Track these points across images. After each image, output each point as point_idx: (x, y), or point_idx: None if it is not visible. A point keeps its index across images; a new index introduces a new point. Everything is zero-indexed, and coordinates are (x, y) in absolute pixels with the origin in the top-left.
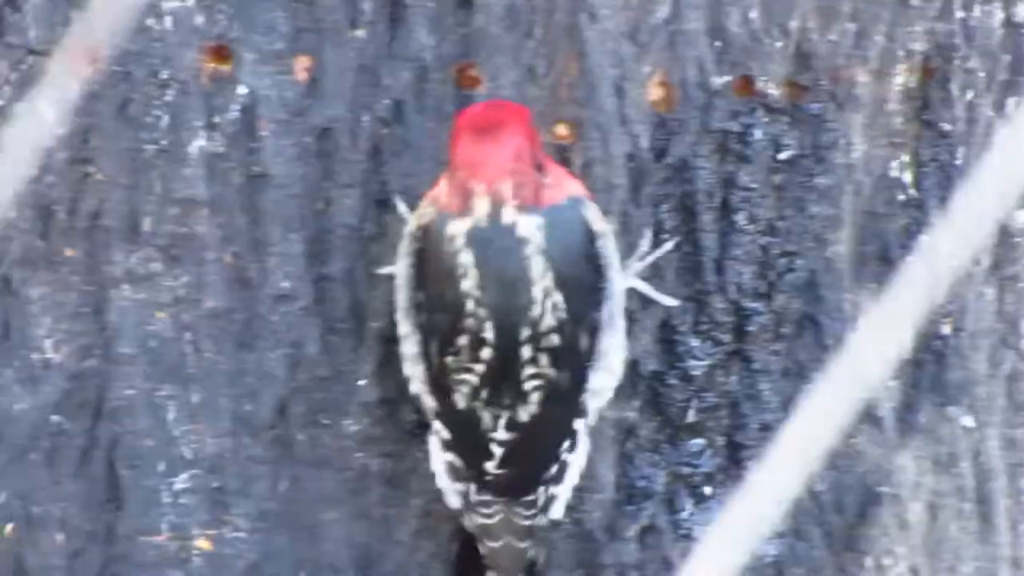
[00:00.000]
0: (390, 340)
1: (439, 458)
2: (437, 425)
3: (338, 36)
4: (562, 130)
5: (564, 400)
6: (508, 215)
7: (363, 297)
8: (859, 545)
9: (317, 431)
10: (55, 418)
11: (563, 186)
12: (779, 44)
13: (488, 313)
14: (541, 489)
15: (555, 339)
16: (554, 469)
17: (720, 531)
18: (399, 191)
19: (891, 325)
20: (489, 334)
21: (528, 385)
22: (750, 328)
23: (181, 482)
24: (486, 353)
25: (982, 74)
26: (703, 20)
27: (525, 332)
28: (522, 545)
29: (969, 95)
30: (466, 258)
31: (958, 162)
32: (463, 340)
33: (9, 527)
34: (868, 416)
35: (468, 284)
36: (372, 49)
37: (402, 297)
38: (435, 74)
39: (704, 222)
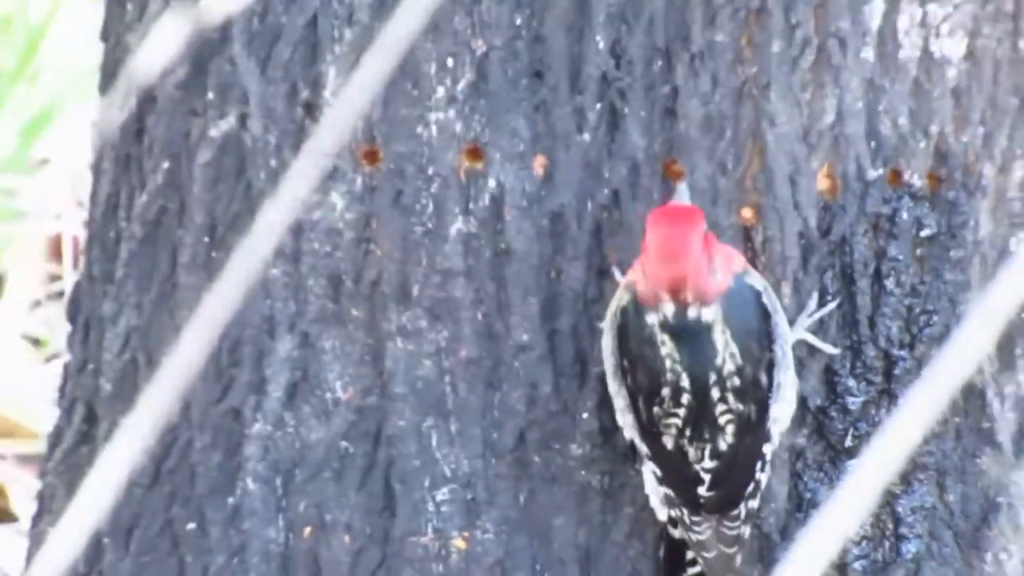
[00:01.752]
0: (606, 382)
1: (654, 491)
2: (651, 465)
3: (568, 139)
4: (747, 213)
5: (753, 429)
6: (692, 312)
7: (586, 347)
8: (982, 544)
9: (549, 454)
10: (343, 444)
11: (729, 265)
12: (922, 144)
13: (682, 367)
14: (743, 505)
15: (737, 380)
16: (751, 487)
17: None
18: (616, 263)
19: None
20: (686, 383)
21: (722, 420)
22: (897, 372)
23: (442, 495)
24: (685, 399)
25: None
26: (862, 125)
27: (713, 377)
28: (731, 551)
29: None
30: (661, 336)
31: None
32: (666, 392)
33: (308, 530)
34: (990, 440)
35: (665, 351)
36: (595, 149)
37: (609, 364)
38: (646, 168)
39: (860, 286)
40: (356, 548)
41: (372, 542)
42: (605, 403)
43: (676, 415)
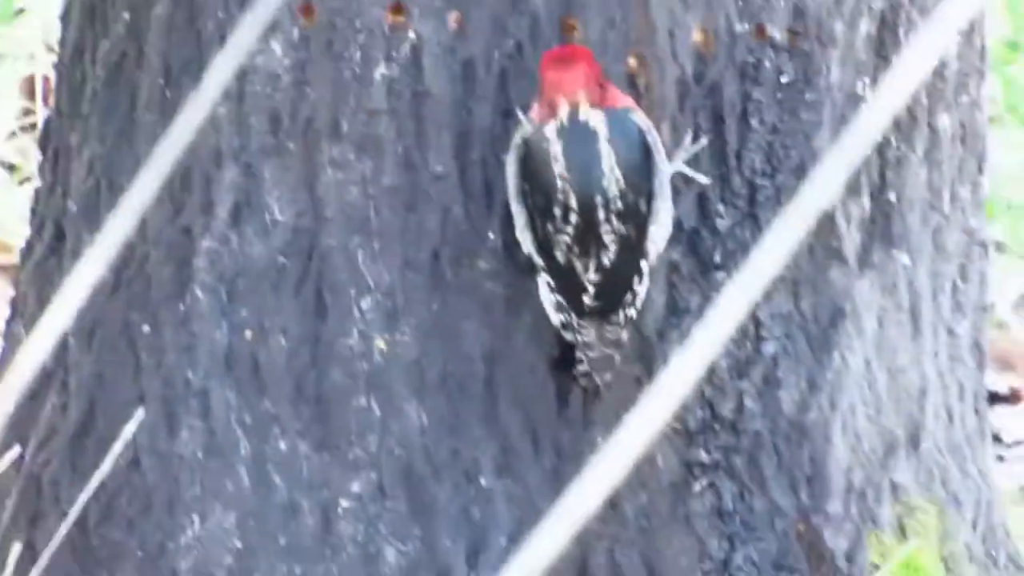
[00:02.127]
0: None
1: (548, 298)
2: (545, 276)
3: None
4: (632, 62)
5: (633, 247)
6: (583, 113)
7: (493, 176)
8: (830, 345)
9: (460, 268)
10: (280, 259)
11: (619, 99)
12: (782, 3)
13: (572, 188)
14: (622, 312)
15: (620, 204)
16: (629, 297)
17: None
18: (519, 105)
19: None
20: (574, 204)
21: (607, 239)
22: (759, 198)
23: (366, 303)
24: (574, 218)
25: (920, 24)
26: None
27: (599, 199)
28: (610, 352)
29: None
30: (556, 149)
31: None
32: (557, 211)
33: (249, 332)
34: (838, 256)
35: (558, 169)
36: (502, 6)
37: (512, 188)
38: (545, 23)
39: (729, 125)
40: (291, 349)
41: (305, 344)
42: (509, 224)
43: (566, 232)
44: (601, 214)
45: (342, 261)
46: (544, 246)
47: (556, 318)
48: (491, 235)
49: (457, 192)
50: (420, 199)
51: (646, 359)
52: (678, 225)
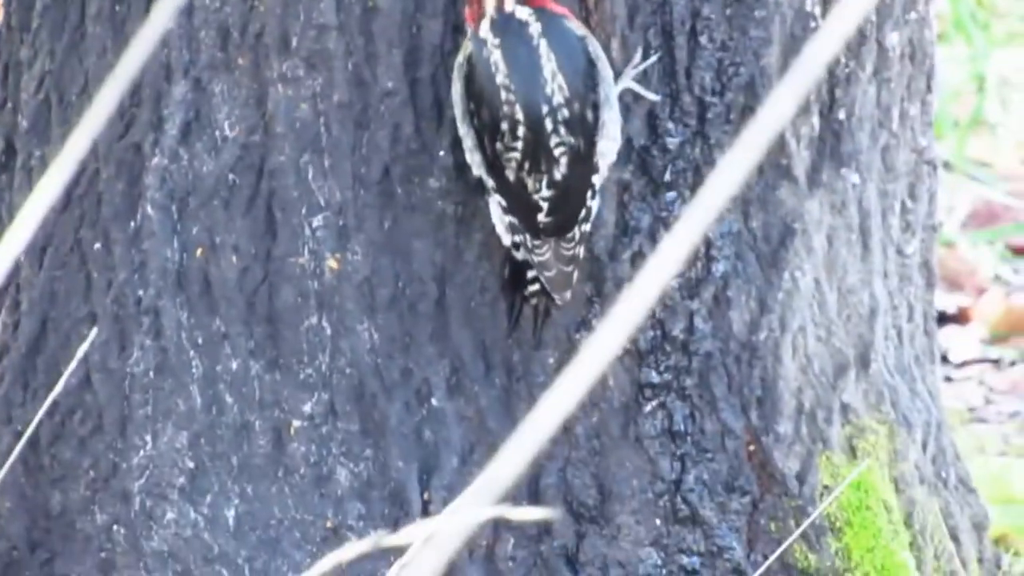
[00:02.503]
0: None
1: (500, 219)
2: (497, 197)
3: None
4: None
5: (583, 160)
6: (508, 4)
7: (443, 93)
8: (780, 264)
9: (410, 186)
10: (231, 176)
11: (549, 4)
12: None
13: (516, 98)
14: (576, 229)
15: (566, 112)
16: (583, 213)
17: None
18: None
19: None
20: (520, 116)
21: (556, 152)
22: (709, 116)
23: (317, 221)
24: (522, 132)
25: None
26: None
27: (545, 108)
28: (568, 269)
29: None
30: (496, 55)
31: None
32: (504, 126)
33: (199, 250)
34: (788, 174)
35: (500, 79)
36: None
37: (459, 109)
38: None
39: (678, 42)
40: (242, 267)
41: (256, 262)
42: (459, 142)
43: (515, 149)
44: (548, 124)
45: (292, 179)
46: (494, 166)
47: (508, 239)
48: (442, 153)
49: (407, 109)
50: (370, 116)
51: (596, 279)
52: (628, 143)
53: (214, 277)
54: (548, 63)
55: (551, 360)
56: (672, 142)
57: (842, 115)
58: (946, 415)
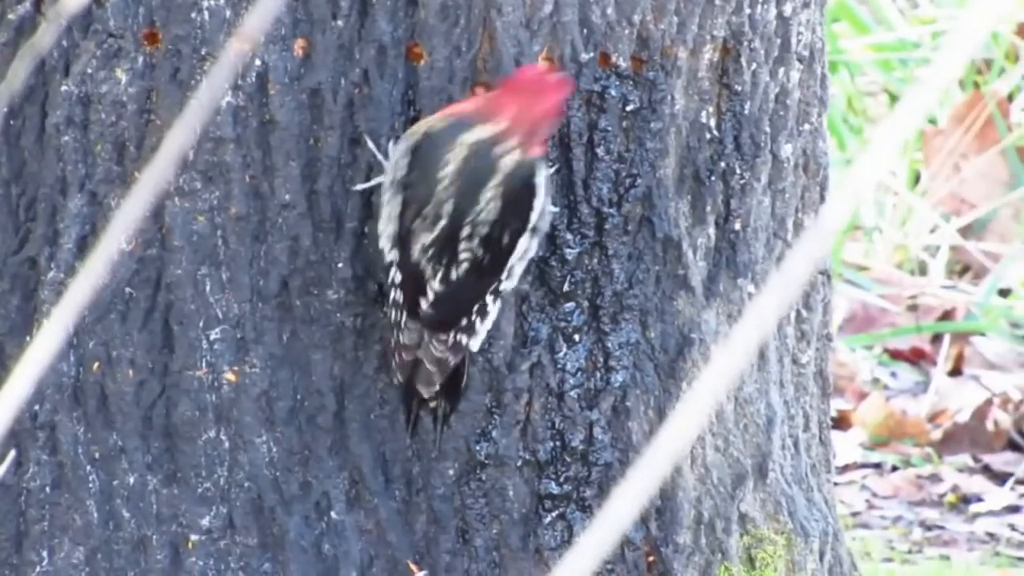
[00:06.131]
0: (360, 235)
1: (391, 292)
2: (393, 271)
3: (324, 24)
4: (479, 91)
5: (484, 274)
6: (505, 148)
7: (341, 205)
8: (678, 374)
9: (309, 299)
10: (127, 289)
11: (536, 148)
12: (627, 31)
13: (451, 197)
14: (452, 334)
15: (486, 230)
16: (464, 322)
17: None
18: (366, 132)
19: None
20: (446, 211)
21: (461, 256)
22: (607, 227)
23: (215, 334)
24: (441, 223)
25: (762, 51)
26: (575, 15)
27: (468, 218)
28: (432, 369)
29: (753, 66)
30: (453, 157)
31: (746, 112)
32: (428, 211)
33: (96, 364)
34: (685, 284)
35: (446, 172)
36: (348, 34)
37: (392, 174)
38: (392, 51)
39: (575, 153)
40: (139, 381)
41: (153, 375)
42: (358, 254)
43: (431, 232)
44: (466, 231)
45: (190, 291)
46: (404, 239)
47: (394, 315)
48: (340, 265)
49: (305, 221)
50: (268, 228)
51: (495, 389)
52: None
53: (111, 391)
54: (494, 188)
55: (451, 472)
56: (570, 253)
57: (738, 225)
58: (841, 524)
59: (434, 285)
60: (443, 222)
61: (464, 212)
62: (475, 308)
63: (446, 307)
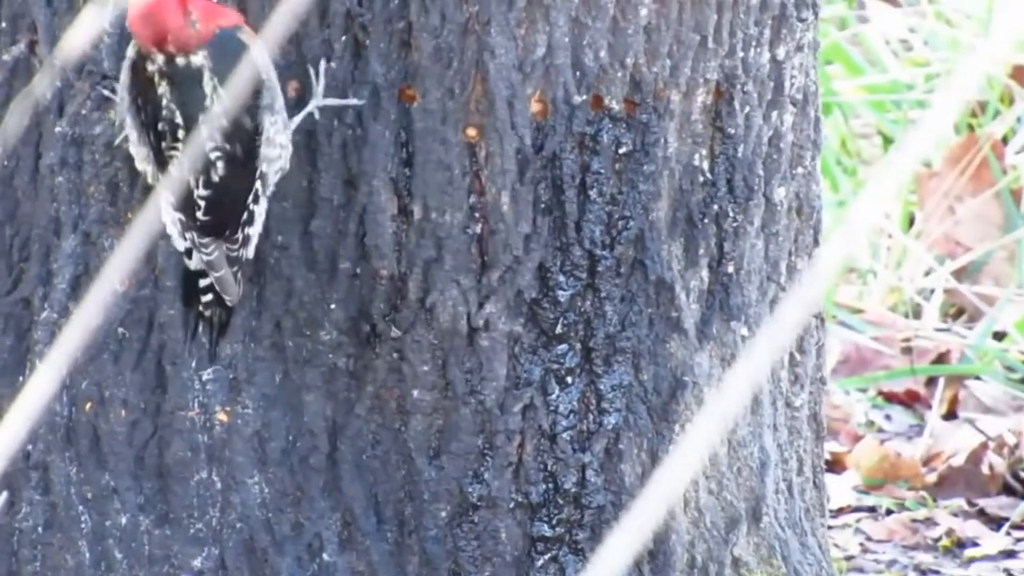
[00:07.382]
0: (353, 276)
1: (169, 216)
2: (166, 193)
3: (317, 66)
4: (472, 132)
5: (241, 166)
6: (180, 60)
7: (337, 247)
8: (671, 417)
9: (302, 340)
10: (120, 330)
11: (214, 18)
12: (619, 73)
13: (176, 107)
14: (240, 231)
15: (224, 121)
16: (245, 216)
17: None
18: (360, 173)
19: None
20: (180, 121)
21: (213, 156)
22: (599, 268)
23: (207, 374)
24: (181, 134)
25: (755, 95)
26: (568, 56)
27: (202, 118)
28: (233, 270)
29: (747, 109)
30: (159, 80)
31: (739, 155)
32: (164, 127)
33: (88, 404)
34: (678, 327)
35: (161, 91)
36: (342, 75)
37: (125, 102)
38: (385, 92)
39: (568, 196)
40: (131, 420)
41: (145, 416)
42: (351, 295)
43: (176, 148)
44: (205, 131)
45: (182, 332)
46: (160, 160)
47: (181, 243)
48: (333, 306)
49: (299, 263)
50: (263, 270)
51: (487, 431)
52: (518, 296)
53: (103, 431)
54: (210, 81)
55: (443, 514)
56: (563, 295)
57: (731, 268)
58: (835, 568)
59: (200, 193)
60: (182, 132)
61: (196, 115)
62: (249, 199)
63: (220, 209)
